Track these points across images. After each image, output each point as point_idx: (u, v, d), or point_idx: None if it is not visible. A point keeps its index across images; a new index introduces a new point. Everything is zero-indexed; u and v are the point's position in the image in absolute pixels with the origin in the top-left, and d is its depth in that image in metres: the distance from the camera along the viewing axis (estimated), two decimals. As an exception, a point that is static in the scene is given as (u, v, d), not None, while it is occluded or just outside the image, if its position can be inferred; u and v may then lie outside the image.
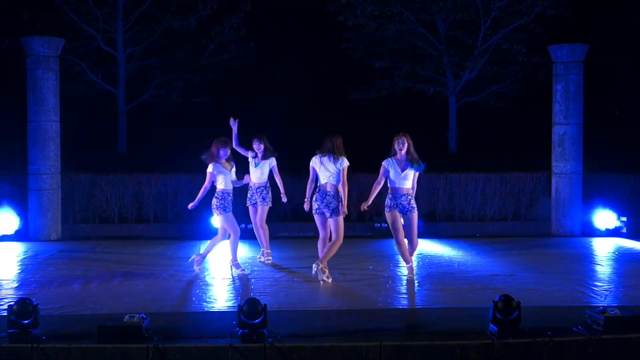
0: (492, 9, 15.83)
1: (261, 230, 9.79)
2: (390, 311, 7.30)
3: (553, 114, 12.73)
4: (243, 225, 11.29)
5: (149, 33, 16.78)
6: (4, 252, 10.72)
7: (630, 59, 19.68)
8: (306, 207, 8.70)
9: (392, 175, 8.57)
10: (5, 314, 6.17)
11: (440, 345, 6.04)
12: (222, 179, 8.86)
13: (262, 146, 9.58)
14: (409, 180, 8.59)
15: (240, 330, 6.04)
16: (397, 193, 8.58)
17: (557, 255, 10.51)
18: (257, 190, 9.66)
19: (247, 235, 11.28)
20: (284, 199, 9.73)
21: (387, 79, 17.45)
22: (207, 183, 8.86)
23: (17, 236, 11.83)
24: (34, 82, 11.85)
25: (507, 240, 11.93)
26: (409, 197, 8.60)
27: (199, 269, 9.03)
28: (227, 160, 8.98)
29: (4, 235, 11.72)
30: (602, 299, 7.71)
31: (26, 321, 6.01)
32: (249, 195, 9.76)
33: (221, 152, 8.88)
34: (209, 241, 9.26)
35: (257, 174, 9.63)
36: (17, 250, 10.86)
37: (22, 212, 12.01)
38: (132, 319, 6.11)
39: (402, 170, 8.53)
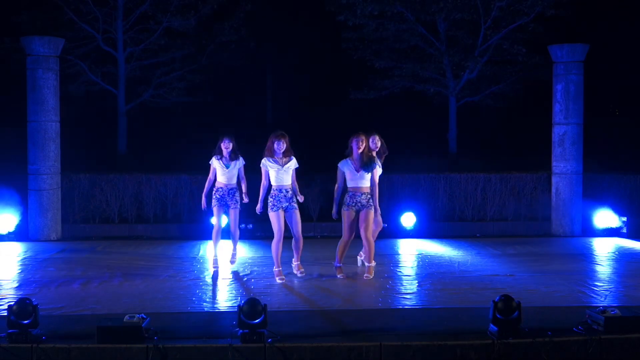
0: (492, 9, 15.80)
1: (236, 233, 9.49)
2: (390, 311, 7.29)
3: (553, 114, 12.74)
4: (243, 225, 11.31)
5: (149, 33, 16.76)
6: (4, 252, 10.72)
7: (630, 59, 19.66)
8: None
9: (348, 175, 8.62)
10: (5, 314, 6.17)
11: (440, 345, 6.03)
12: (272, 174, 8.58)
13: (231, 145, 9.17)
14: (366, 179, 8.60)
15: (240, 330, 6.04)
16: (356, 192, 8.62)
17: (557, 255, 10.51)
18: (230, 192, 9.24)
19: (247, 235, 11.29)
20: (246, 200, 9.38)
21: (387, 79, 17.44)
22: (263, 180, 8.64)
23: (17, 236, 11.85)
24: (34, 82, 11.86)
25: (507, 240, 11.94)
26: (368, 195, 8.61)
27: (282, 279, 8.65)
28: (285, 153, 8.61)
29: (3, 235, 11.74)
30: (602, 299, 7.71)
31: (26, 321, 6.00)
32: (217, 196, 9.22)
33: (275, 145, 8.54)
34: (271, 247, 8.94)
35: (228, 175, 9.21)
36: (17, 250, 10.87)
37: (22, 212, 12.02)
38: (132, 319, 6.11)
39: (357, 171, 8.57)
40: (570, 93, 12.52)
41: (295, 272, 8.84)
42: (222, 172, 9.21)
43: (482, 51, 16.41)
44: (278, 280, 8.59)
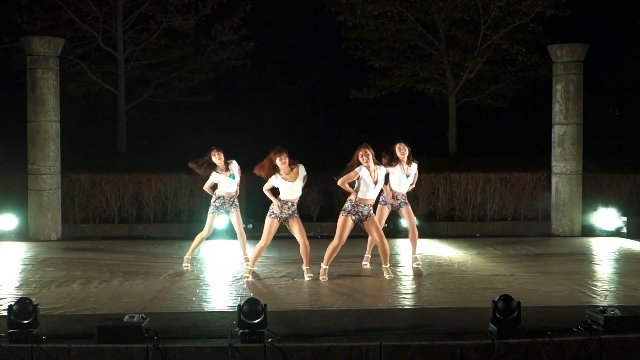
0: (491, 9, 15.81)
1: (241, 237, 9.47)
2: (390, 311, 7.29)
3: (553, 114, 12.74)
4: (244, 225, 11.29)
5: (149, 33, 16.78)
6: (4, 252, 10.72)
7: (630, 59, 19.69)
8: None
9: (362, 185, 8.34)
10: (5, 314, 6.17)
11: (440, 345, 6.04)
12: (282, 188, 8.45)
13: (222, 154, 9.00)
14: (376, 193, 8.53)
15: (240, 330, 6.05)
16: (361, 203, 8.41)
17: (557, 255, 10.50)
18: (230, 199, 9.19)
19: (247, 235, 11.26)
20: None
21: (387, 78, 17.45)
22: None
23: (17, 236, 11.85)
24: (34, 82, 11.86)
25: (507, 240, 11.93)
26: (370, 207, 8.52)
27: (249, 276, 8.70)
28: (292, 167, 8.38)
29: (3, 235, 11.74)
30: (602, 299, 7.71)
31: (26, 321, 6.01)
32: (218, 204, 9.15)
33: (278, 162, 8.34)
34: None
35: (234, 184, 9.13)
36: (17, 250, 10.87)
37: (22, 212, 12.01)
38: (132, 318, 6.11)
39: (375, 183, 8.39)
40: (570, 93, 12.51)
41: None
42: (229, 185, 9.10)
43: (481, 51, 16.41)
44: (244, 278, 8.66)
